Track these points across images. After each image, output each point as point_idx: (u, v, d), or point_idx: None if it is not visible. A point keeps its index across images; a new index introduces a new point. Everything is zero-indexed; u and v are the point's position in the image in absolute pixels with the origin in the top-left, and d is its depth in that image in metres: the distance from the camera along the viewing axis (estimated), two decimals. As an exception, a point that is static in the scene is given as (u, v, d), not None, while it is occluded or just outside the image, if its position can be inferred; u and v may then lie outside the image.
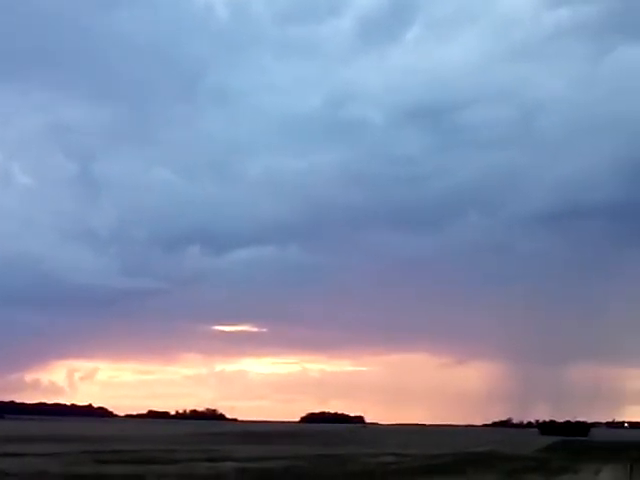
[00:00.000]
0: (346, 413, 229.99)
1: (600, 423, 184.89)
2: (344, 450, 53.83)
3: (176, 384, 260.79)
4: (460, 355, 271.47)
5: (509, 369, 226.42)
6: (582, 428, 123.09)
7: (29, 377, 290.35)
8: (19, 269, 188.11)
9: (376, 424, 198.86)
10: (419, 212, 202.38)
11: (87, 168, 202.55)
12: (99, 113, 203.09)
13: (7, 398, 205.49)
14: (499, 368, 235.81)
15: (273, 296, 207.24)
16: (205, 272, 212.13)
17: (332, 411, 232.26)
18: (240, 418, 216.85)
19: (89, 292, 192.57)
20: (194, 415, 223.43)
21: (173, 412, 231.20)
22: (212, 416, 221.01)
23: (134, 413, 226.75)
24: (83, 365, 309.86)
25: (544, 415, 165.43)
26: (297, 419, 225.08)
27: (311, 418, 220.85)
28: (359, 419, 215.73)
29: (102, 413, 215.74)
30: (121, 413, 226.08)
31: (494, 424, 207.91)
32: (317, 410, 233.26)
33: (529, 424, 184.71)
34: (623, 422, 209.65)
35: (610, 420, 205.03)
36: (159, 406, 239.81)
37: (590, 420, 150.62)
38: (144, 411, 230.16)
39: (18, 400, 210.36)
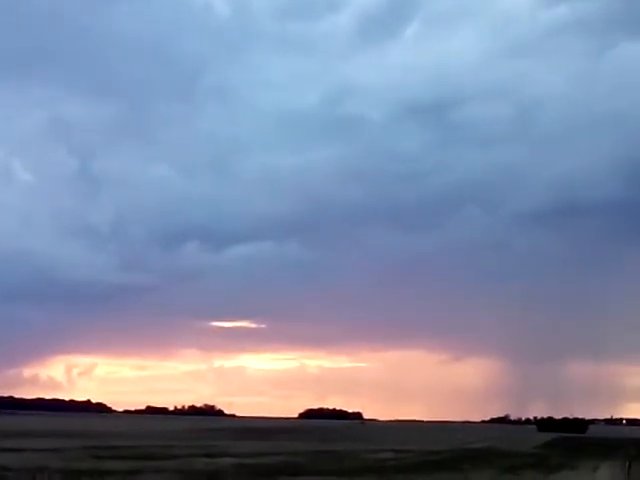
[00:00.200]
0: (344, 409, 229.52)
1: (598, 420, 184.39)
2: (342, 446, 53.82)
3: (174, 380, 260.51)
4: (458, 352, 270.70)
5: (507, 366, 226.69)
6: (580, 425, 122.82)
7: (27, 372, 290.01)
8: (17, 265, 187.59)
9: (374, 420, 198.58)
10: (417, 209, 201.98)
11: (86, 165, 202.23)
12: (99, 110, 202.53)
13: (6, 393, 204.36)
14: (497, 365, 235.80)
15: (272, 292, 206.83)
16: (204, 268, 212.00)
17: (330, 407, 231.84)
18: (238, 414, 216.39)
19: (88, 288, 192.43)
20: (192, 411, 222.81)
21: (171, 408, 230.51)
22: (210, 412, 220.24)
23: (132, 409, 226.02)
24: (81, 360, 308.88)
25: (542, 412, 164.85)
26: (295, 415, 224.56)
27: (309, 414, 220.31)
28: (357, 415, 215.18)
29: (100, 408, 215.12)
30: (119, 408, 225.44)
31: (492, 420, 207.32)
32: (315, 406, 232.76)
33: (527, 421, 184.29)
34: (621, 419, 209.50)
35: (608, 417, 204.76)
36: (157, 402, 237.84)
37: (588, 417, 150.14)
38: (142, 407, 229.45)
39: (17, 395, 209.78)
